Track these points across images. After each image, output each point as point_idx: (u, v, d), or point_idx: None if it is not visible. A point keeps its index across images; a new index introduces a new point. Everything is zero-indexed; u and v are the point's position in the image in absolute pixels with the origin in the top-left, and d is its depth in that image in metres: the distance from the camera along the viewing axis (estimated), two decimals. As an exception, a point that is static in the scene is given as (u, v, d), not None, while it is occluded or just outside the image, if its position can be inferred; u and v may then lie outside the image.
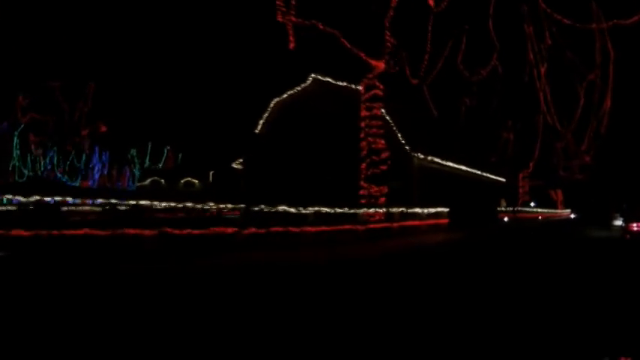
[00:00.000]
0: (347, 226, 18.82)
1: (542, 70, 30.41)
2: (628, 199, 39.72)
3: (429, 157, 29.27)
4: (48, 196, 14.91)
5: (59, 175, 64.37)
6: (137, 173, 72.70)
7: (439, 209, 27.52)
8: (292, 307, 6.78)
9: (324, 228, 17.47)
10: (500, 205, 47.31)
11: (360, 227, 19.54)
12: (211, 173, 66.42)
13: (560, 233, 29.14)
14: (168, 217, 20.54)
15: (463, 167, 34.14)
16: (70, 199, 25.42)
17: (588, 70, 30.36)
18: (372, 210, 21.39)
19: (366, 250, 15.57)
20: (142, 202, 13.56)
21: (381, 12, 22.21)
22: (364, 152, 22.52)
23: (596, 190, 62.83)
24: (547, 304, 7.23)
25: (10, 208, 25.43)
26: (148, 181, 69.60)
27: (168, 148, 75.04)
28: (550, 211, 73.23)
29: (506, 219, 46.21)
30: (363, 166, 22.47)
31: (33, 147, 59.47)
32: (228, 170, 37.33)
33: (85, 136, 61.78)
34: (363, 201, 22.09)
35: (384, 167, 22.26)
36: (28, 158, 62.27)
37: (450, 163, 32.05)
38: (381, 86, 22.84)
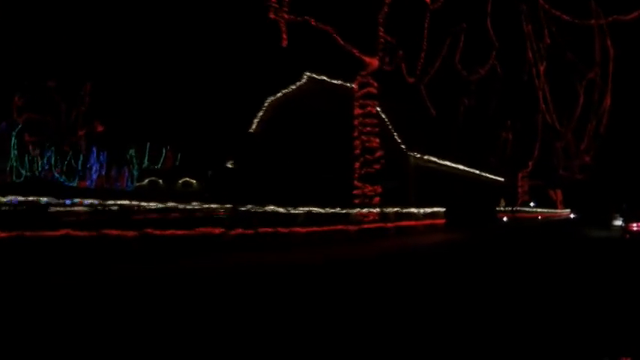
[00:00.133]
0: (339, 227, 18.39)
1: (542, 68, 30.01)
2: (628, 199, 39.31)
3: (426, 157, 28.86)
4: (37, 196, 14.59)
5: (57, 175, 64.16)
6: (136, 174, 72.47)
7: (435, 209, 27.08)
8: (270, 310, 6.41)
9: (314, 228, 17.06)
10: (499, 205, 46.93)
11: (352, 228, 19.11)
12: (209, 173, 66.15)
13: (560, 233, 28.91)
14: (160, 217, 20.11)
15: (461, 167, 33.73)
16: (56, 200, 25.08)
17: (588, 68, 29.98)
18: (365, 210, 20.95)
19: (356, 251, 15.16)
20: (122, 202, 13.15)
21: (374, 8, 21.80)
22: (358, 151, 22.10)
23: (596, 190, 62.46)
24: (546, 305, 7.07)
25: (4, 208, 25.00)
26: (146, 181, 69.16)
27: (168, 148, 74.73)
28: (550, 210, 72.86)
29: (505, 219, 45.78)
30: (357, 165, 22.04)
31: (30, 147, 59.15)
32: (224, 170, 36.97)
33: (82, 136, 61.45)
34: (356, 201, 21.66)
35: (377, 166, 21.83)
36: (26, 158, 62.06)
37: (448, 163, 31.63)
38: (375, 84, 22.42)
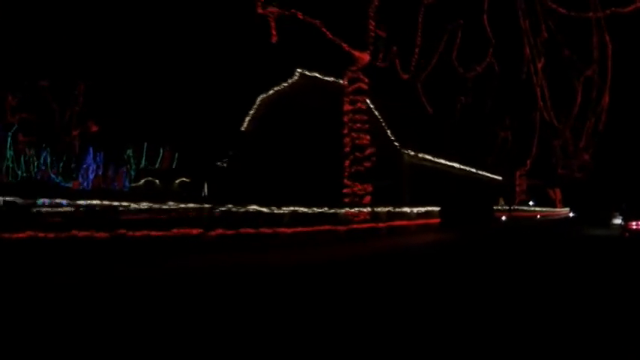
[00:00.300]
0: (326, 227, 17.74)
1: (539, 65, 29.42)
2: (627, 197, 38.84)
3: (420, 155, 28.19)
4: (27, 197, 14.11)
5: (53, 175, 63.74)
6: (134, 174, 72.03)
7: (430, 208, 26.40)
8: (240, 315, 5.76)
9: (300, 229, 16.41)
10: (498, 204, 46.27)
11: (341, 228, 18.45)
12: (202, 173, 65.73)
13: (558, 232, 28.59)
14: (147, 218, 19.43)
15: (457, 165, 33.05)
16: (47, 201, 24.42)
17: (586, 65, 29.40)
18: (355, 209, 20.26)
19: (343, 252, 14.51)
20: (94, 202, 12.50)
21: (365, 1, 21.15)
22: (348, 148, 21.42)
23: (595, 189, 61.87)
24: (545, 305, 6.89)
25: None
26: (142, 181, 68.75)
27: (167, 148, 74.24)
28: (548, 209, 72.40)
29: (504, 218, 45.11)
30: (347, 163, 21.36)
31: (22, 147, 58.63)
32: (217, 170, 36.36)
33: (76, 136, 60.93)
34: (346, 200, 20.98)
35: (368, 164, 21.15)
36: (22, 159, 61.68)
37: (443, 161, 30.96)
38: (366, 79, 21.75)
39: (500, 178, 45.89)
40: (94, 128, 61.33)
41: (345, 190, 21.18)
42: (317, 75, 28.75)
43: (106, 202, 12.65)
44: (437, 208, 27.24)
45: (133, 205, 14.64)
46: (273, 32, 20.41)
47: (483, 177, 40.40)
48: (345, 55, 22.23)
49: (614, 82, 29.59)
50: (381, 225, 21.22)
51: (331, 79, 27.83)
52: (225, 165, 32.63)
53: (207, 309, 6.46)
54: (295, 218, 16.72)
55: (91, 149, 66.46)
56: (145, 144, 72.64)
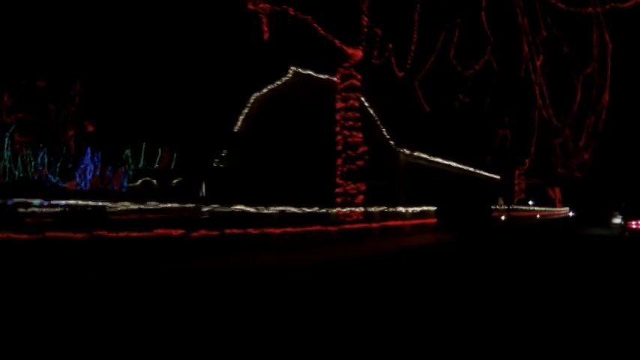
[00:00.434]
0: (317, 227, 17.22)
1: (538, 63, 28.97)
2: (627, 197, 38.40)
3: (417, 153, 27.68)
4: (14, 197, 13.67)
5: (50, 176, 63.37)
6: (132, 174, 71.64)
7: (425, 208, 25.89)
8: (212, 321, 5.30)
9: (289, 229, 15.91)
10: (497, 204, 45.74)
11: (332, 228, 17.95)
12: (199, 172, 65.33)
13: (558, 232, 28.33)
14: (134, 219, 18.98)
15: (454, 164, 32.55)
16: (37, 201, 23.87)
17: (585, 63, 28.97)
18: (347, 209, 19.76)
19: (332, 254, 14.04)
20: (71, 202, 12.03)
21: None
22: (340, 147, 20.93)
23: (595, 188, 61.37)
24: (545, 307, 6.78)
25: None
26: (140, 181, 68.38)
27: (166, 148, 73.86)
28: (548, 209, 71.99)
29: (503, 217, 44.57)
30: (339, 161, 20.86)
31: (18, 147, 58.27)
32: (213, 170, 35.91)
33: (72, 136, 60.53)
34: (339, 200, 20.48)
35: (361, 163, 20.65)
36: (19, 159, 61.35)
37: (440, 160, 30.46)
38: (359, 76, 21.26)
39: (498, 177, 45.40)
40: (90, 128, 60.99)
41: (337, 190, 20.68)
42: (311, 73, 28.26)
43: (81, 202, 12.19)
44: (433, 208, 26.73)
45: (121, 207, 14.18)
46: (265, 29, 19.97)
47: (482, 176, 39.91)
48: (338, 52, 21.78)
49: (614, 81, 29.18)
50: (374, 225, 20.73)
51: (325, 76, 27.33)
52: (221, 165, 32.18)
53: (176, 317, 6.01)
54: (285, 218, 16.24)
55: (89, 149, 66.12)
56: (144, 144, 72.37)
